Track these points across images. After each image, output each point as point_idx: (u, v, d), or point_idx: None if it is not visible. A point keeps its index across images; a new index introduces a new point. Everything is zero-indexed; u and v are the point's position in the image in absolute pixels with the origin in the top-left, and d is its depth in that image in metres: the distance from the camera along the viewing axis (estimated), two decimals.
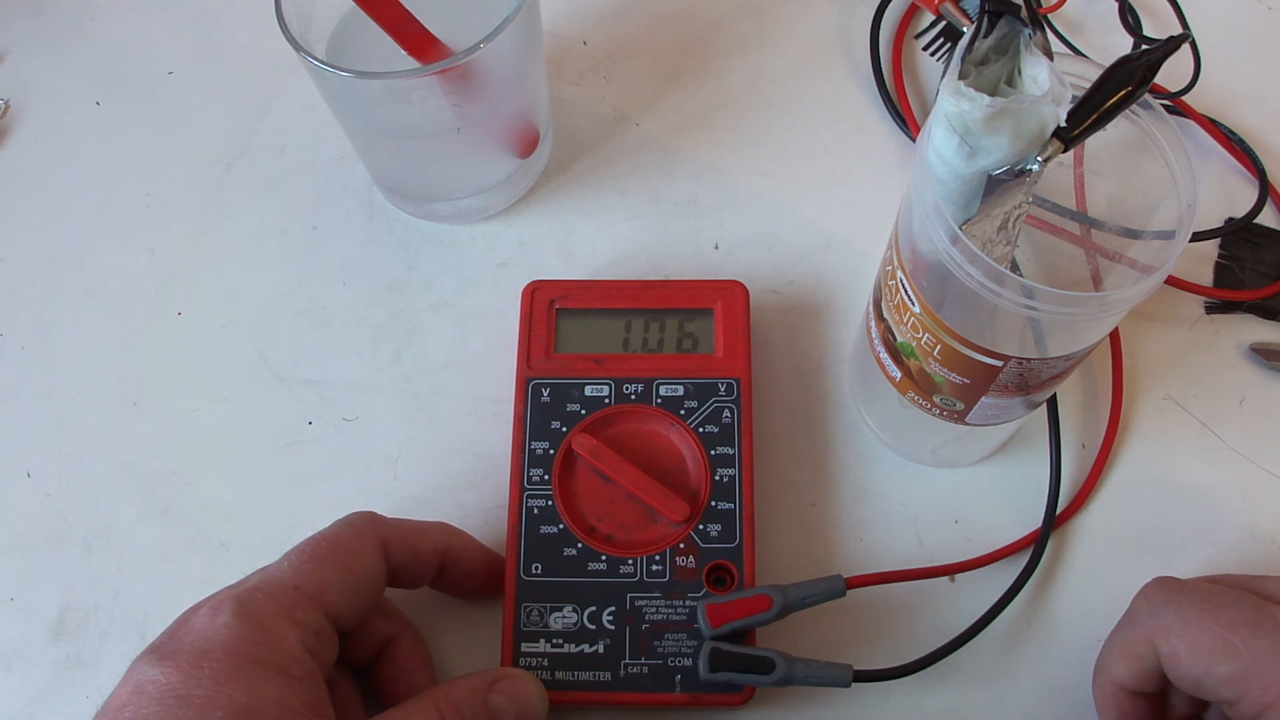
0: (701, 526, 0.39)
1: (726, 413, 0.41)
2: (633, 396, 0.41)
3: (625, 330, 0.43)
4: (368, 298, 0.47)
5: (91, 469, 0.44)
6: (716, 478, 0.40)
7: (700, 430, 0.41)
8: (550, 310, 0.43)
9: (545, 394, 0.41)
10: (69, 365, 0.46)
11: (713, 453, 0.40)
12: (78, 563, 0.42)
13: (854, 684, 0.36)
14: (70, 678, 0.40)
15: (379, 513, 0.37)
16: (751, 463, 0.40)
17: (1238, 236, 0.47)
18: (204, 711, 0.28)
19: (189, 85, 0.53)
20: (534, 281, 0.44)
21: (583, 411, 0.41)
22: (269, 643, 0.30)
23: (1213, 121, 0.49)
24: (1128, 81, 0.28)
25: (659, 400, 0.41)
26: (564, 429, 0.41)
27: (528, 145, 0.47)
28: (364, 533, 0.35)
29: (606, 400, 0.41)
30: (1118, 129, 0.30)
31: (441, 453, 0.44)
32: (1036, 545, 0.40)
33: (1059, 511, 0.41)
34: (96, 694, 0.40)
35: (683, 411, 0.41)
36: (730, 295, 0.43)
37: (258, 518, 0.43)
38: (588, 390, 0.41)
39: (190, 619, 0.31)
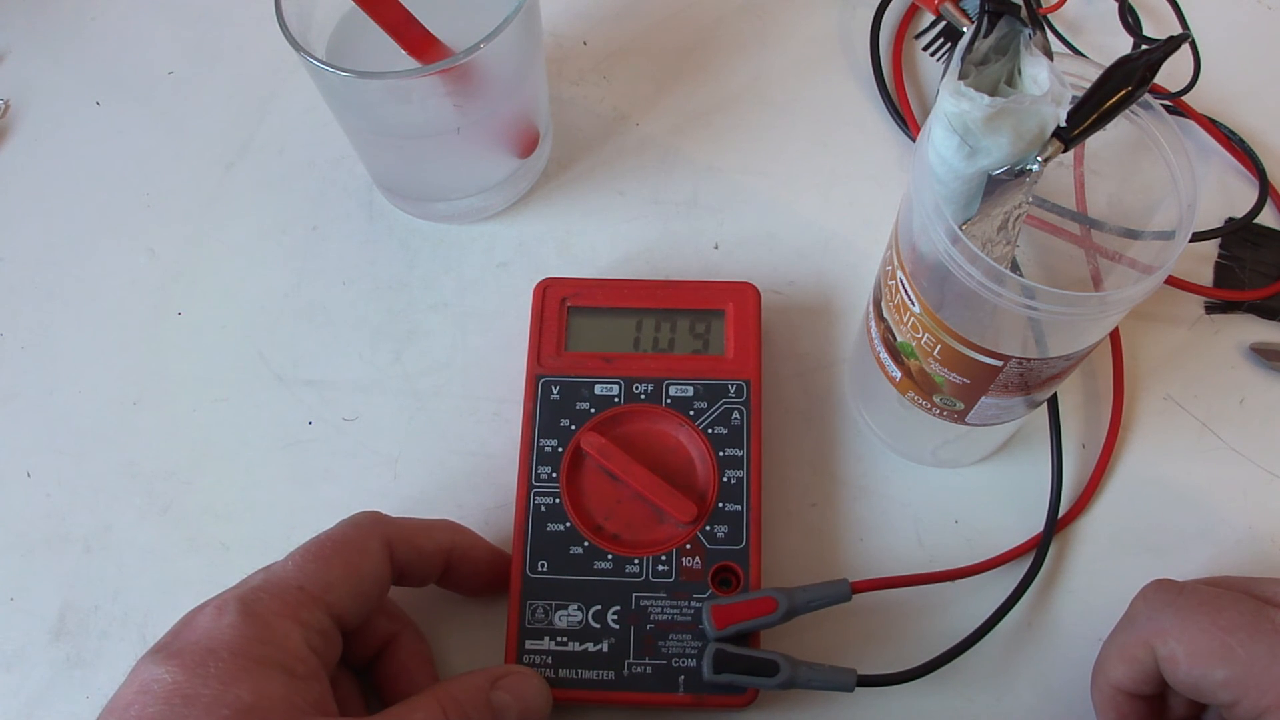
0: (708, 528, 0.39)
1: (736, 414, 0.41)
2: (642, 396, 0.41)
3: (636, 329, 0.43)
4: (368, 298, 0.47)
5: (91, 469, 0.44)
6: (724, 479, 0.40)
7: (709, 431, 0.40)
8: (562, 308, 0.43)
9: (555, 391, 0.41)
10: (69, 365, 0.46)
11: (721, 454, 0.40)
12: (78, 563, 0.42)
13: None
14: (70, 678, 0.40)
15: (382, 512, 0.37)
16: (760, 465, 0.40)
17: (1238, 236, 0.47)
18: (209, 710, 0.28)
19: (189, 85, 0.53)
20: (546, 279, 0.44)
21: (592, 410, 0.41)
22: (273, 642, 0.30)
23: (1213, 121, 0.49)
24: (1128, 81, 0.28)
25: (669, 400, 0.41)
26: (573, 427, 0.41)
27: (528, 145, 0.47)
28: (369, 532, 0.35)
29: (616, 399, 0.41)
30: (1118, 129, 0.30)
31: (442, 453, 0.44)
32: (1039, 549, 0.40)
33: (1060, 514, 0.41)
34: (96, 694, 0.40)
35: (692, 412, 0.41)
36: (742, 297, 0.43)
37: (258, 518, 0.43)
38: (597, 389, 0.41)
39: (195, 619, 0.31)
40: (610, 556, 0.39)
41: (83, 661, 0.40)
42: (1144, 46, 0.40)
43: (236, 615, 0.31)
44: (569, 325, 0.43)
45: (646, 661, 0.37)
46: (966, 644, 0.38)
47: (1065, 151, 0.28)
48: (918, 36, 0.53)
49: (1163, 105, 0.38)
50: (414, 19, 0.41)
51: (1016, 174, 0.29)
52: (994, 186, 0.29)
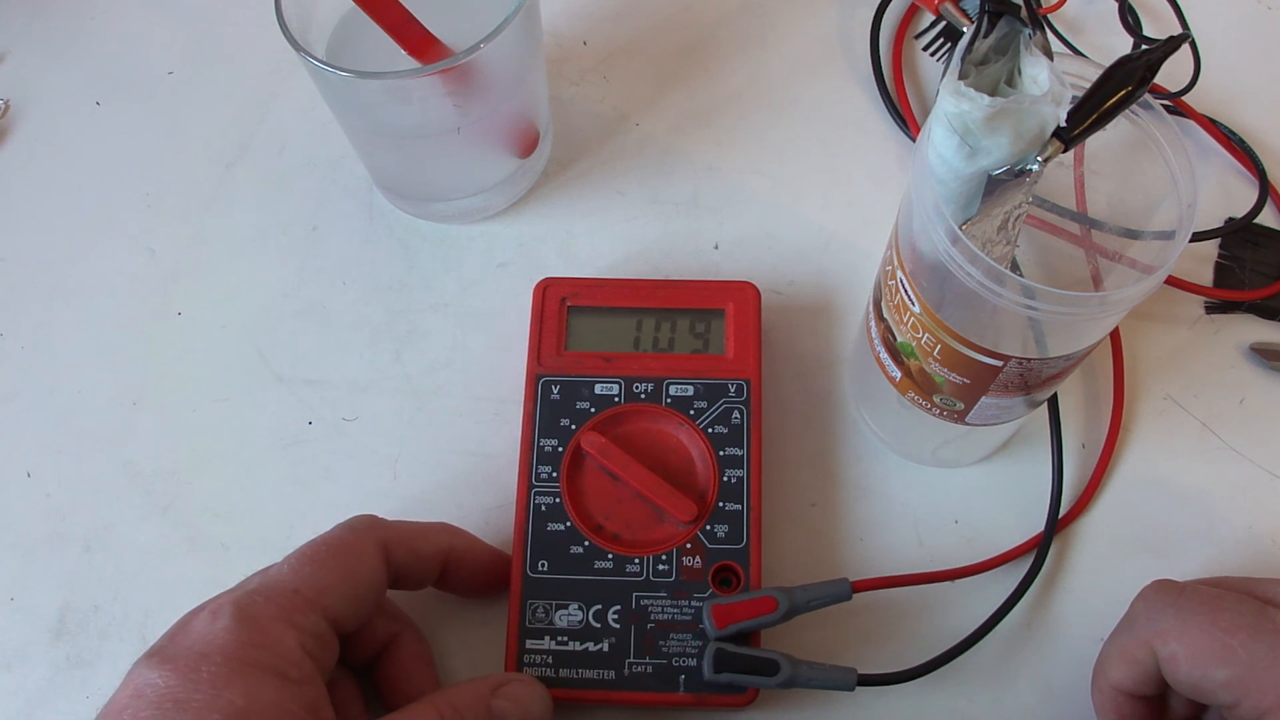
0: (709, 527, 0.39)
1: (736, 414, 0.41)
2: (642, 396, 0.41)
3: (636, 329, 0.43)
4: (368, 298, 0.47)
5: (91, 469, 0.44)
6: (725, 479, 0.40)
7: (709, 431, 0.40)
8: (562, 307, 0.43)
9: (555, 391, 0.41)
10: (69, 365, 0.46)
11: (721, 453, 0.40)
12: (78, 563, 0.42)
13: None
14: (70, 678, 0.40)
15: (380, 514, 0.37)
16: (760, 465, 0.40)
17: (1238, 236, 0.47)
18: (201, 715, 0.28)
19: (189, 85, 0.53)
20: (546, 278, 0.44)
21: (592, 410, 0.41)
22: (267, 646, 0.30)
23: (1213, 121, 0.49)
24: (1128, 81, 0.28)
25: (669, 400, 0.41)
26: (573, 427, 0.41)
27: (528, 145, 0.47)
28: (365, 536, 0.35)
29: (616, 399, 0.41)
30: (1118, 129, 0.30)
31: (441, 453, 0.44)
32: (1039, 549, 0.40)
33: (1061, 514, 0.41)
34: (96, 694, 0.40)
35: (692, 412, 0.41)
36: (742, 296, 0.43)
37: (258, 518, 0.43)
38: (598, 388, 0.41)
39: (190, 622, 0.31)
40: (610, 556, 0.39)
41: (83, 661, 0.40)
42: (1144, 46, 0.40)
43: (230, 619, 0.31)
44: (569, 325, 0.43)
45: (647, 661, 0.37)
46: (966, 644, 0.38)
47: (1065, 151, 0.28)
48: (918, 36, 0.53)
49: (1163, 105, 0.38)
50: (414, 19, 0.41)
51: (1016, 174, 0.29)
52: (994, 186, 0.29)
